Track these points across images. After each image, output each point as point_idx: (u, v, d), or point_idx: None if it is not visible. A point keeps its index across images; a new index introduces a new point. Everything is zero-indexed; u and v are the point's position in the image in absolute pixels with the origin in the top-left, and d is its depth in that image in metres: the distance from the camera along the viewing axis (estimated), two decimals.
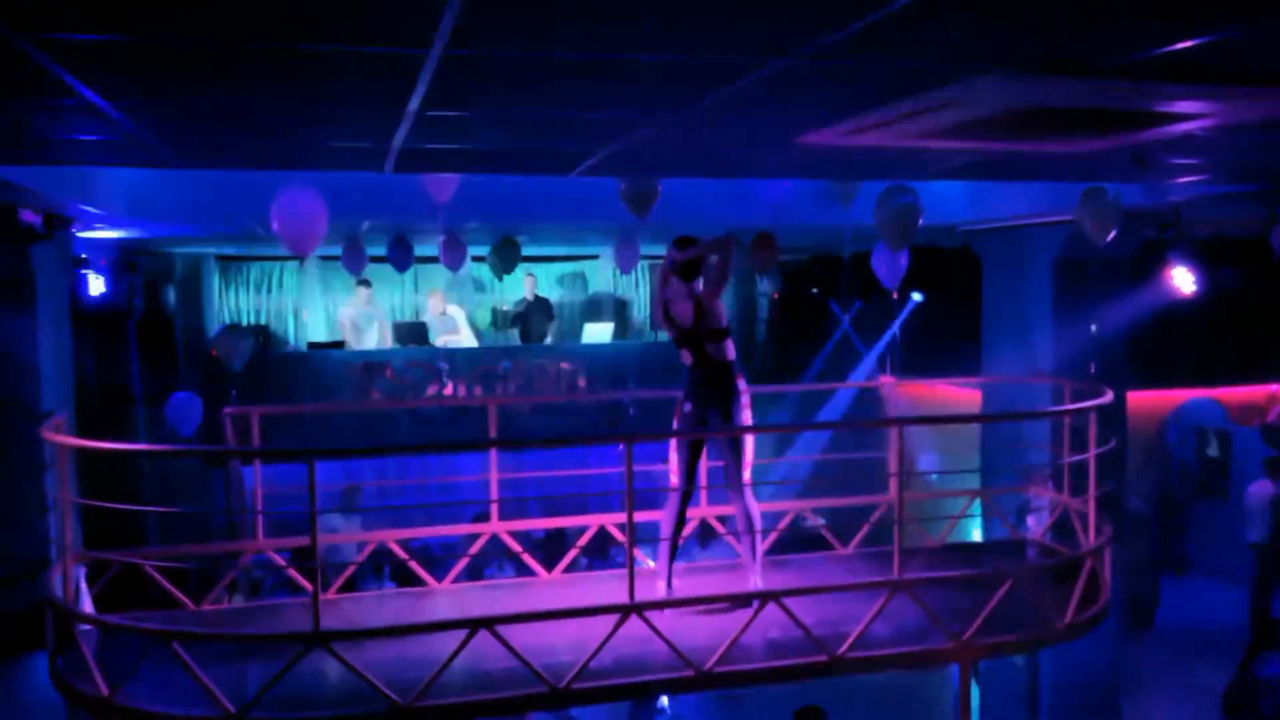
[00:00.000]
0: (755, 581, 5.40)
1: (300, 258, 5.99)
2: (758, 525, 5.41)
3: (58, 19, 2.42)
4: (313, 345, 12.42)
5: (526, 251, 9.99)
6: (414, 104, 3.43)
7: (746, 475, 5.37)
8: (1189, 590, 11.91)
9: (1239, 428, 12.36)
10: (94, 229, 7.97)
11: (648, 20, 2.50)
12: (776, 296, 13.68)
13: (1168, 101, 3.42)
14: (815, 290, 12.81)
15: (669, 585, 5.43)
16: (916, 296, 11.54)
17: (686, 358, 5.46)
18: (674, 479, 5.50)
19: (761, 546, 5.53)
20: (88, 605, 5.02)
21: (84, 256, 8.87)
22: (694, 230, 5.61)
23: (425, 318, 12.63)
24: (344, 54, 2.78)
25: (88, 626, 4.74)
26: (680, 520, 5.50)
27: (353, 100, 3.47)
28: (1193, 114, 3.71)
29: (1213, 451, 12.80)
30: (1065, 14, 2.51)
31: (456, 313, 12.64)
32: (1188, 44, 2.76)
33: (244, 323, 12.54)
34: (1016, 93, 3.15)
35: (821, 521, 6.86)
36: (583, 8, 2.38)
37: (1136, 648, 10.11)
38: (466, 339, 12.53)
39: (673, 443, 5.53)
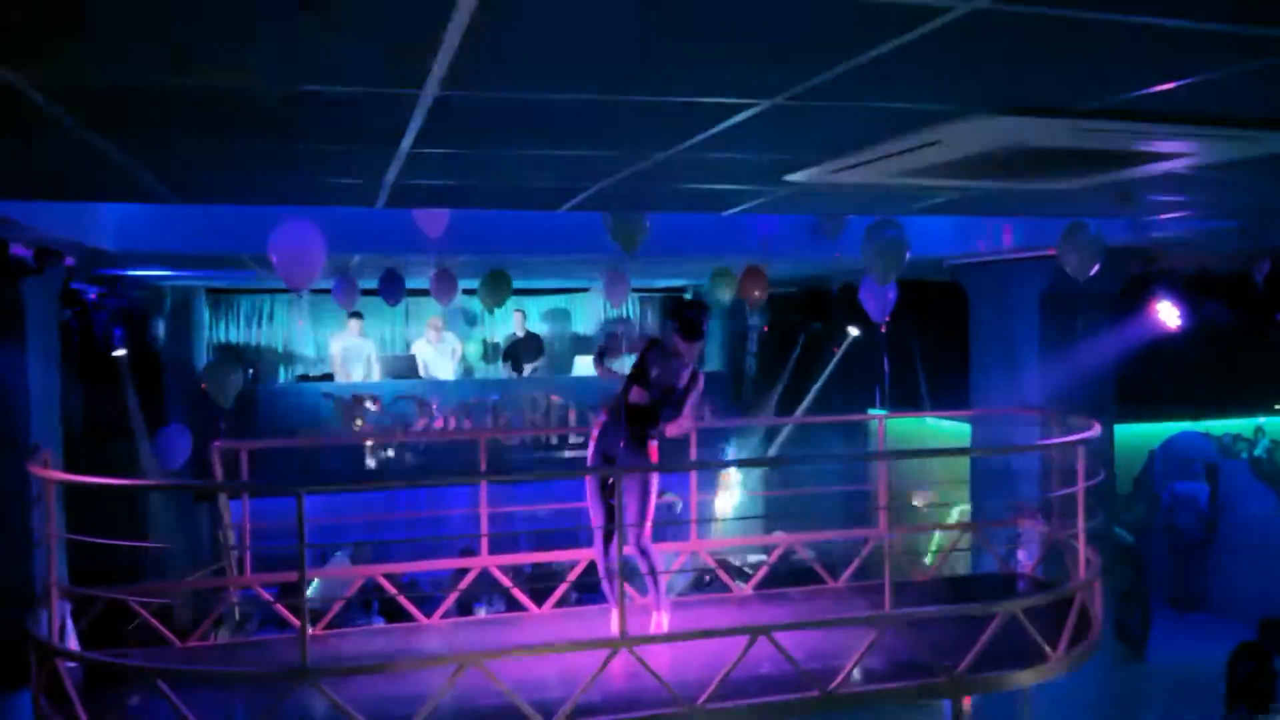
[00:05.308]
0: (660, 621, 5.39)
1: (297, 291, 5.99)
2: (659, 566, 5.43)
3: (54, 65, 2.46)
4: (302, 378, 12.39)
5: (517, 285, 10.04)
6: (406, 143, 3.46)
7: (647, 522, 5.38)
8: (1195, 626, 11.74)
9: (1227, 460, 12.40)
10: (85, 263, 7.97)
11: (638, 63, 2.55)
12: (766, 329, 13.72)
13: (1148, 141, 3.48)
14: (811, 324, 12.81)
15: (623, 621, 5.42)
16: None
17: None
18: (596, 519, 5.43)
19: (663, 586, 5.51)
20: (73, 641, 4.97)
21: (75, 289, 8.85)
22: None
23: (418, 347, 12.63)
24: (336, 97, 2.82)
25: (72, 664, 4.70)
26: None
27: (345, 140, 3.50)
28: (1173, 153, 3.77)
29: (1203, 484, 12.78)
30: (1045, 58, 2.56)
31: (452, 339, 12.66)
32: (1168, 86, 2.81)
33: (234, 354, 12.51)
34: (998, 134, 3.20)
35: (811, 555, 6.85)
36: (574, 51, 2.43)
37: (1128, 679, 10.05)
38: (448, 370, 12.51)
39: (590, 484, 5.39)
